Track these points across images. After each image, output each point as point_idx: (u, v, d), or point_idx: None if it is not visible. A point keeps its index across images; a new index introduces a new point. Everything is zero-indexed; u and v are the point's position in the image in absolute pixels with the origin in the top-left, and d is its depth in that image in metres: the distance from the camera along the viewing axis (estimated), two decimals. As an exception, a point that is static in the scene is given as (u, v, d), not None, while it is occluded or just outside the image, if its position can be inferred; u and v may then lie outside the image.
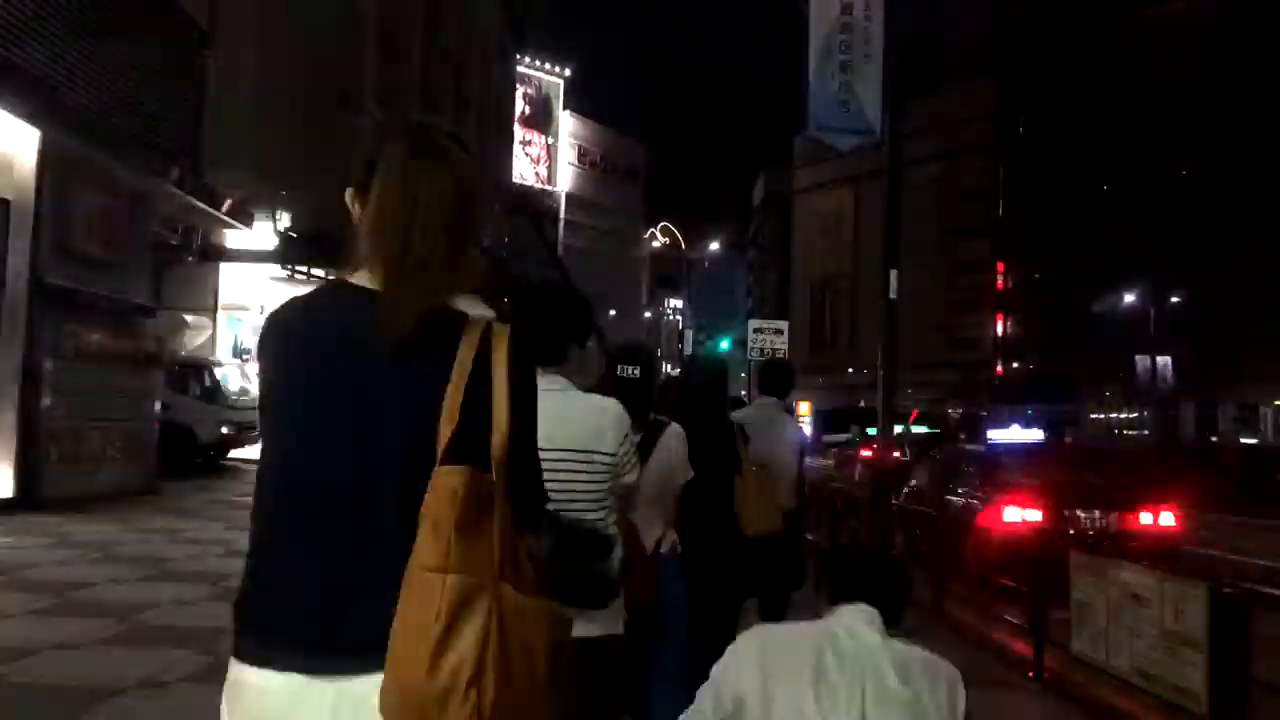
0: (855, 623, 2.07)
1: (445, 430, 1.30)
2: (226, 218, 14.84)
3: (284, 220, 15.58)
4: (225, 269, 16.05)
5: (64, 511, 10.82)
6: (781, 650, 2.03)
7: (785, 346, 14.50)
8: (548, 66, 69.63)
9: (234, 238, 15.71)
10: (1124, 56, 53.57)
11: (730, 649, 2.09)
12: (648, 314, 74.08)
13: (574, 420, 2.44)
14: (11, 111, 10.49)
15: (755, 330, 14.71)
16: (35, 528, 9.67)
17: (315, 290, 1.49)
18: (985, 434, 21.49)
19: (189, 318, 16.16)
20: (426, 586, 1.22)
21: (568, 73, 71.64)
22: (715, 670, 2.09)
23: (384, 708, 1.23)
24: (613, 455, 2.54)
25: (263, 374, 1.50)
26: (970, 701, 2.08)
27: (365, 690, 1.25)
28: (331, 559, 1.33)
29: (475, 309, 1.42)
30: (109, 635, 5.61)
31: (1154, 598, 4.90)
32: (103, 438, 12.66)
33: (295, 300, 1.49)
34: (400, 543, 1.26)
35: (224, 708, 1.39)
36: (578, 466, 2.44)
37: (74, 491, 11.68)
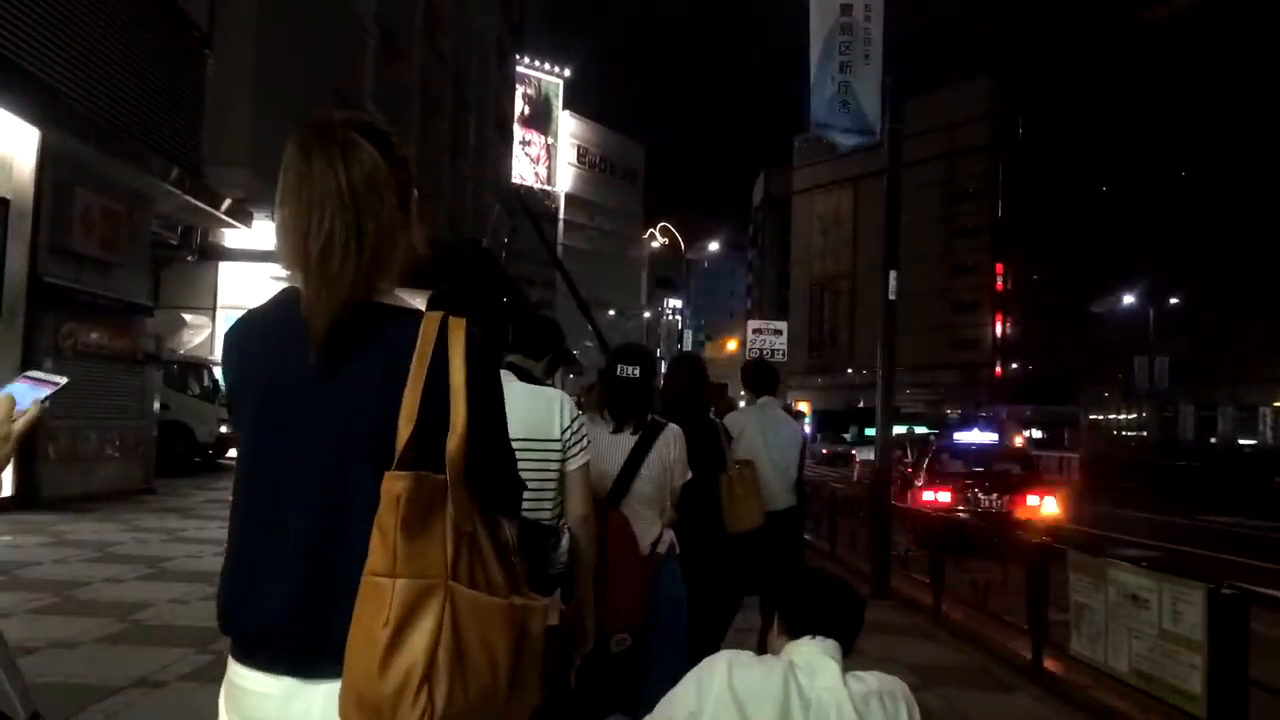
0: (817, 662, 2.05)
1: (404, 431, 1.29)
2: (226, 217, 14.84)
3: None
4: (224, 268, 16.05)
5: (62, 510, 10.83)
6: (749, 695, 1.98)
7: (785, 347, 14.50)
8: (547, 67, 69.67)
9: (233, 237, 15.70)
10: (1123, 57, 53.61)
11: (694, 674, 2.05)
12: (647, 314, 74.05)
13: (518, 409, 2.26)
14: (11, 111, 10.48)
15: (754, 331, 14.71)
16: (34, 527, 9.67)
17: (270, 298, 1.46)
18: (951, 435, 23.44)
19: (188, 317, 16.18)
20: (375, 592, 1.23)
21: (567, 73, 71.71)
22: (674, 690, 2.06)
23: (341, 711, 1.24)
24: (558, 441, 2.58)
25: (226, 386, 1.52)
26: (969, 703, 2.10)
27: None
28: (307, 565, 1.33)
29: (416, 301, 1.40)
30: (107, 634, 5.61)
31: (1152, 599, 4.90)
32: (101, 437, 12.67)
33: (252, 310, 1.48)
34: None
35: (221, 705, 1.41)
36: (522, 456, 2.40)
37: (72, 490, 11.69)
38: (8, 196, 11.12)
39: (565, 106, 72.97)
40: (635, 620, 2.93)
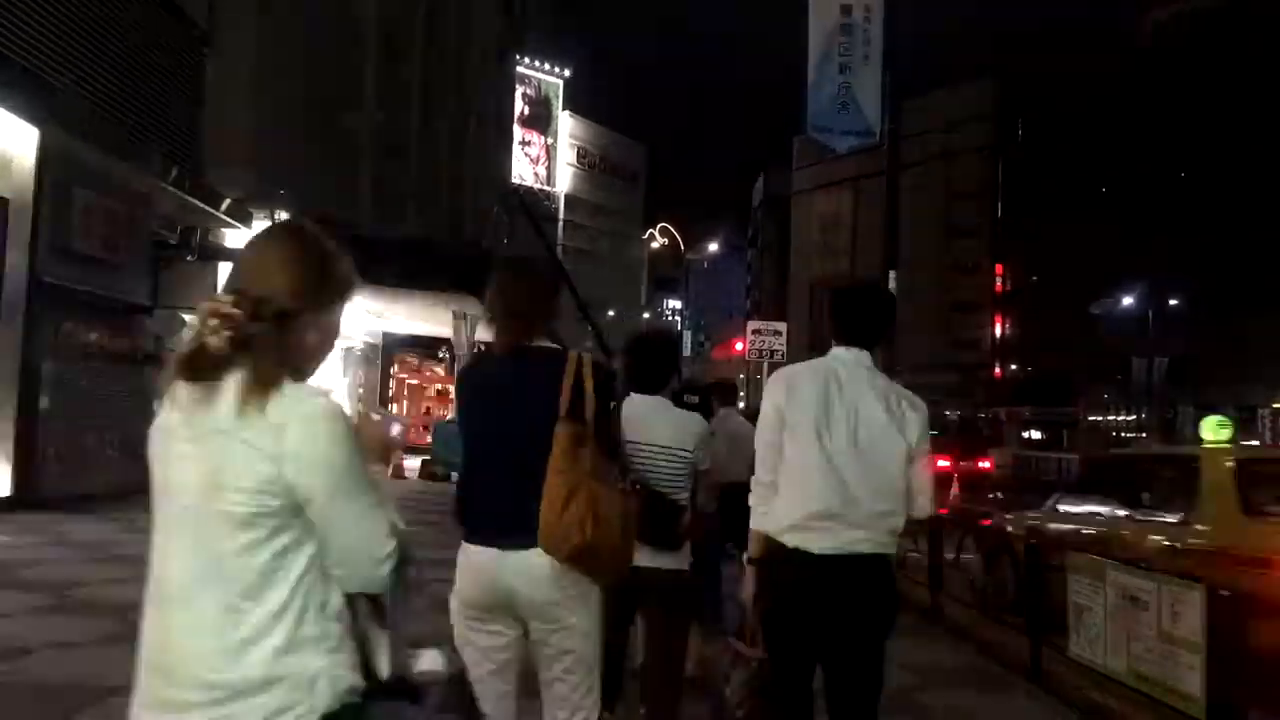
0: (850, 362, 2.97)
1: (562, 407, 2.58)
2: (225, 217, 14.84)
3: (283, 219, 15.61)
4: (224, 268, 15.98)
5: (62, 510, 10.83)
6: (799, 379, 2.96)
7: (784, 348, 14.47)
8: (547, 67, 69.62)
9: (233, 237, 15.70)
10: (1123, 58, 53.62)
11: (767, 387, 3.17)
12: (646, 314, 74.07)
13: (665, 426, 3.56)
14: (10, 110, 10.49)
15: (754, 331, 14.69)
16: (33, 527, 9.67)
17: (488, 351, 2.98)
18: None
19: (187, 317, 16.11)
20: (554, 482, 2.53)
21: (567, 73, 71.66)
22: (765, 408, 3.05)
23: (540, 540, 2.52)
24: (691, 453, 3.57)
25: (458, 395, 2.98)
26: (967, 703, 2.19)
27: (534, 557, 2.54)
28: (511, 484, 2.61)
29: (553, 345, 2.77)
30: (107, 634, 5.61)
31: (1151, 600, 4.90)
32: (100, 437, 12.65)
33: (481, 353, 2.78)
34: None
35: (457, 572, 2.68)
36: (662, 457, 3.52)
37: (72, 490, 11.68)
38: (7, 196, 11.11)
39: (565, 107, 72.93)
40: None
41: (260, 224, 15.44)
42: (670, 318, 77.00)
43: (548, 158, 71.55)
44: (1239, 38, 46.33)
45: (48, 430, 11.58)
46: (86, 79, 12.06)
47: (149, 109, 13.47)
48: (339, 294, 1.66)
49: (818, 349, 3.39)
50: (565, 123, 73.30)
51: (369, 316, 18.17)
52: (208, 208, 14.36)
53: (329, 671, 1.48)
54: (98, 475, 12.45)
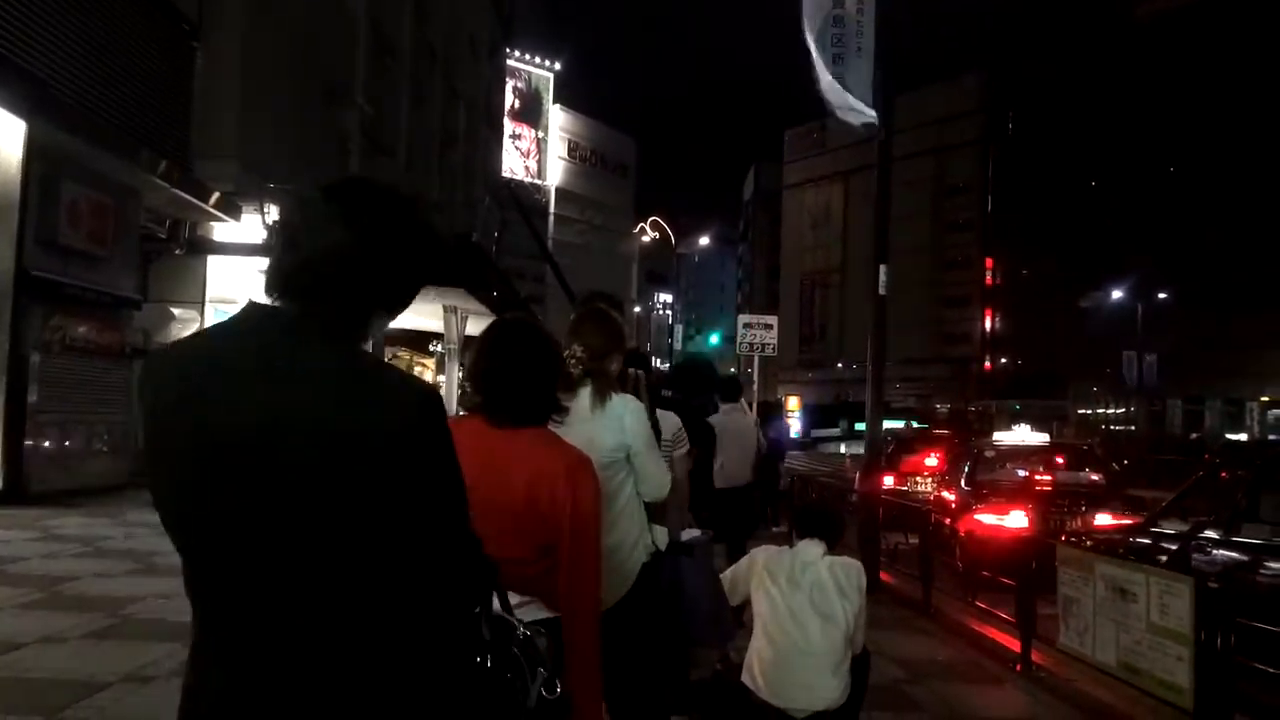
0: (810, 550, 3.91)
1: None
2: (214, 210, 14.76)
3: (272, 213, 15.49)
4: (213, 262, 15.93)
5: (51, 505, 10.78)
6: (772, 561, 3.92)
7: (775, 341, 14.45)
8: (537, 60, 69.45)
9: (222, 230, 15.61)
10: (1113, 53, 53.74)
11: (742, 560, 4.12)
12: (637, 308, 74.01)
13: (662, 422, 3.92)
14: (-3, 103, 10.42)
15: (745, 325, 14.66)
16: (22, 521, 9.63)
17: None
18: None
19: (176, 310, 16.05)
20: None
21: (557, 66, 71.45)
22: (731, 568, 4.08)
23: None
24: (670, 442, 3.76)
25: None
26: (957, 696, 2.23)
27: None
28: None
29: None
30: (96, 629, 5.59)
31: (1140, 592, 4.93)
32: (89, 431, 12.61)
33: None
34: None
35: None
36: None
37: (60, 485, 11.64)
38: (-6, 189, 11.05)
39: (556, 100, 72.77)
40: None
41: (248, 217, 15.39)
42: (661, 311, 76.95)
43: (538, 151, 71.42)
44: (1228, 31, 46.47)
45: (36, 424, 11.53)
46: (75, 72, 11.98)
47: (137, 103, 13.39)
48: (623, 345, 3.14)
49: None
50: (556, 116, 73.14)
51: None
52: (196, 201, 14.29)
53: (643, 538, 2.92)
54: (87, 469, 12.41)
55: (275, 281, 1.39)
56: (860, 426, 17.65)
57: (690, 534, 3.38)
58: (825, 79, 8.55)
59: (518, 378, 2.19)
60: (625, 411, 2.87)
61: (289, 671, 1.29)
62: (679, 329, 65.50)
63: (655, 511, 3.10)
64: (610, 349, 3.05)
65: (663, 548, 3.04)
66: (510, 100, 60.82)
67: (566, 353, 2.80)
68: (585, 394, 2.86)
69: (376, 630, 1.32)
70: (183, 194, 13.91)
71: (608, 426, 2.83)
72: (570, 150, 75.58)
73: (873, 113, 8.68)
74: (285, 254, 1.39)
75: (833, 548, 3.96)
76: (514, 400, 2.17)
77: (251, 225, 15.48)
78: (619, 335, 3.15)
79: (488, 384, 2.19)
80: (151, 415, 1.36)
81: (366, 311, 1.43)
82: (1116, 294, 48.18)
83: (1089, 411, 54.80)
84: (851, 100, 8.56)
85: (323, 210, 1.41)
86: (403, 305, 1.51)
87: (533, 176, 70.05)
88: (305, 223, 1.41)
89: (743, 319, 15.09)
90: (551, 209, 71.51)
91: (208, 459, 1.30)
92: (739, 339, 14.62)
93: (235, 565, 1.31)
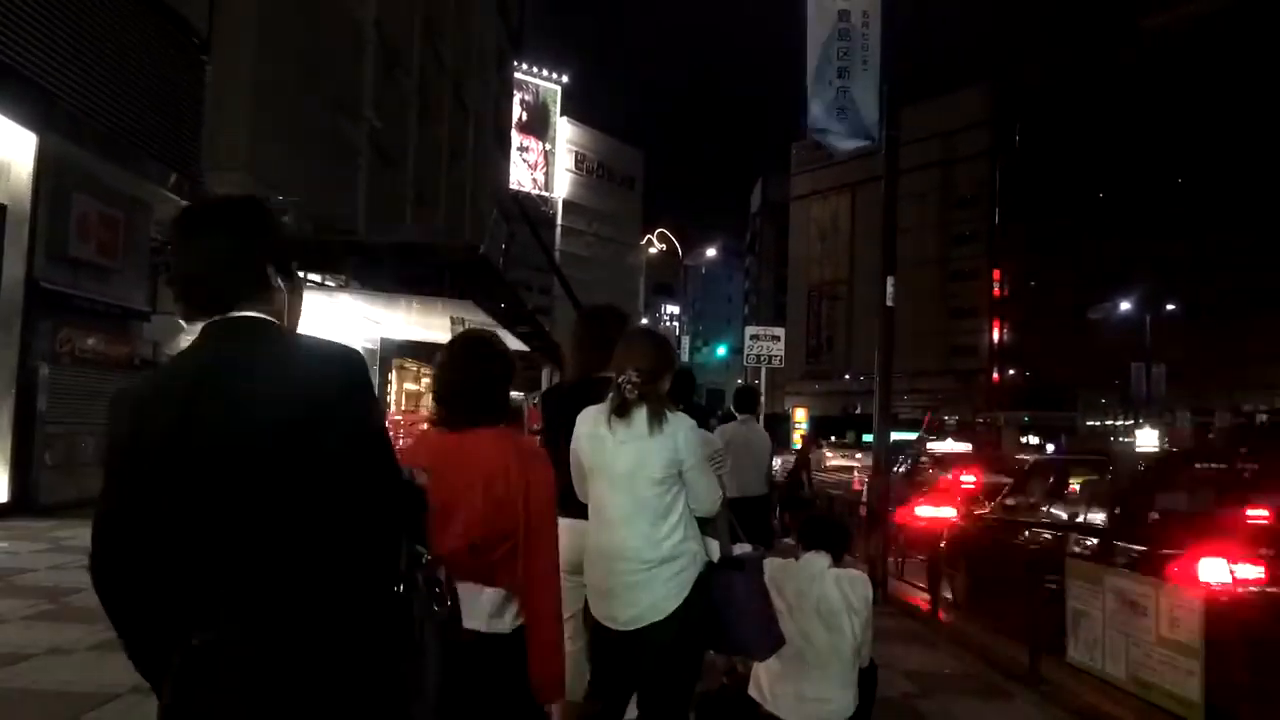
0: (816, 562, 3.94)
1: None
2: (224, 223, 14.82)
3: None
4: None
5: (59, 516, 10.79)
6: (779, 574, 3.83)
7: (781, 353, 14.47)
8: (545, 73, 69.74)
9: (231, 243, 15.70)
10: (1119, 65, 53.73)
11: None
12: (644, 320, 74.03)
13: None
14: (8, 116, 10.48)
15: (752, 337, 14.69)
16: (30, 533, 9.65)
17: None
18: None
19: (185, 323, 16.17)
20: None
21: (565, 79, 71.76)
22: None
23: None
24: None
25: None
26: (966, 709, 2.23)
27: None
28: None
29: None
30: (103, 640, 5.59)
31: (1150, 606, 4.90)
32: (98, 443, 12.62)
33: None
34: None
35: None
36: None
37: (69, 496, 11.64)
38: (4, 202, 11.10)
39: (563, 113, 73.04)
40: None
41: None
42: (668, 323, 76.96)
43: (546, 163, 71.64)
44: (1233, 43, 46.43)
45: (45, 436, 11.56)
46: (85, 85, 12.05)
47: (147, 115, 13.46)
48: (673, 366, 3.23)
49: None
50: (563, 128, 73.39)
51: (367, 323, 18.13)
52: (206, 213, 14.34)
53: (698, 552, 3.03)
54: (95, 481, 12.35)
55: (183, 298, 1.65)
56: (867, 438, 17.53)
57: (742, 548, 3.54)
58: (814, 110, 8.58)
59: (478, 383, 2.44)
60: (679, 429, 3.02)
61: (262, 623, 1.51)
62: (686, 341, 65.45)
63: (706, 526, 3.21)
64: (662, 370, 3.14)
65: (715, 560, 3.17)
66: (518, 113, 61.05)
67: (621, 378, 3.01)
68: (640, 416, 3.02)
69: (330, 570, 1.50)
70: (192, 206, 13.96)
71: (663, 444, 3.00)
72: (577, 162, 75.80)
73: (871, 135, 8.69)
74: (178, 277, 1.67)
75: (839, 560, 3.98)
76: (475, 403, 2.42)
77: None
78: (669, 355, 3.24)
79: (454, 392, 2.44)
80: (115, 450, 1.71)
81: (259, 284, 1.63)
82: (1125, 305, 48.01)
83: (1097, 423, 54.52)
84: (844, 127, 8.57)
85: (190, 230, 1.65)
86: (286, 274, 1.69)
87: (540, 189, 70.25)
88: (182, 246, 1.66)
89: (750, 331, 15.12)
90: (559, 221, 71.68)
91: (175, 471, 1.61)
92: (746, 351, 14.62)
93: (209, 544, 1.55)
